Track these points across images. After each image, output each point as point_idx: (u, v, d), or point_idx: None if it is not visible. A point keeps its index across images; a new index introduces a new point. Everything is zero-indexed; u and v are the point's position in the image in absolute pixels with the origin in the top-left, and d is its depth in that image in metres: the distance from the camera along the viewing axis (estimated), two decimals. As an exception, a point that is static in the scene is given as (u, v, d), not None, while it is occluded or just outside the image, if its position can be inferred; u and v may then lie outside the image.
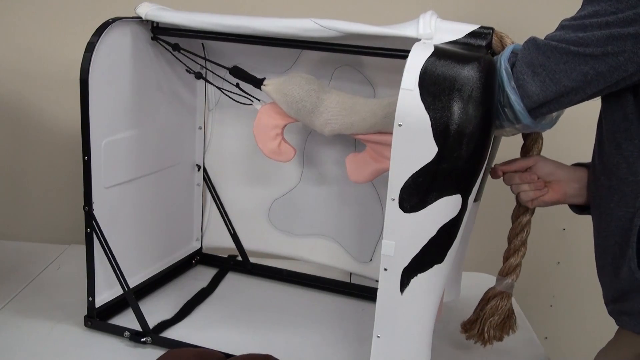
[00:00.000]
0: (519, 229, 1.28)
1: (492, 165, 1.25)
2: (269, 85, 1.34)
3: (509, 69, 1.04)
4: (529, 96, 1.03)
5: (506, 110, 1.06)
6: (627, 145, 1.04)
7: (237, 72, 1.40)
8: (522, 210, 1.27)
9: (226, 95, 1.46)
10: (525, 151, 1.26)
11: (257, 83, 1.36)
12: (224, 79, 1.50)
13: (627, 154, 1.04)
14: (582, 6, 1.00)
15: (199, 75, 1.48)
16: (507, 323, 1.31)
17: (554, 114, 1.11)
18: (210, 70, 1.53)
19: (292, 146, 1.39)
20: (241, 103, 1.44)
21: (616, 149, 1.05)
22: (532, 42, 1.03)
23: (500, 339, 1.32)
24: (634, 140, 1.03)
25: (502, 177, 1.26)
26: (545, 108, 1.06)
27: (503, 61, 1.05)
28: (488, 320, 1.30)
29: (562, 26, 1.01)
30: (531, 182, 1.21)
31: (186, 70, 1.48)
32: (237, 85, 1.45)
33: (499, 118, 1.08)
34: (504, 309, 1.29)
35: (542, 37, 1.04)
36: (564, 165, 1.23)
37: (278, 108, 1.36)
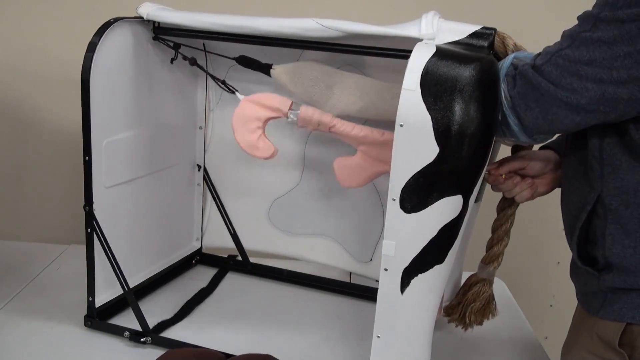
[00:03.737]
0: (503, 220, 1.30)
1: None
2: (278, 69, 1.34)
3: (507, 93, 1.04)
4: (524, 126, 1.05)
5: (503, 128, 1.08)
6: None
7: (244, 60, 1.40)
8: (507, 203, 1.29)
9: (216, 83, 1.46)
10: (516, 149, 1.27)
11: (266, 68, 1.36)
12: (220, 80, 1.50)
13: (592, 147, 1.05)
14: (574, 42, 0.96)
15: (193, 61, 1.46)
16: (487, 308, 1.34)
17: None
18: (209, 74, 1.53)
19: (273, 144, 1.35)
20: (226, 91, 1.45)
21: (589, 140, 1.05)
22: (525, 76, 1.02)
23: (480, 324, 1.35)
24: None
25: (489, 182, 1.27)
26: (541, 136, 1.08)
27: (502, 78, 1.05)
28: (470, 305, 1.33)
29: (557, 64, 0.98)
30: (517, 184, 1.22)
31: (182, 57, 1.46)
32: (224, 82, 1.45)
33: (498, 133, 1.10)
34: (485, 295, 1.33)
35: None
36: (550, 153, 1.24)
37: (263, 100, 1.33)
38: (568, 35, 0.98)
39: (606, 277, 1.04)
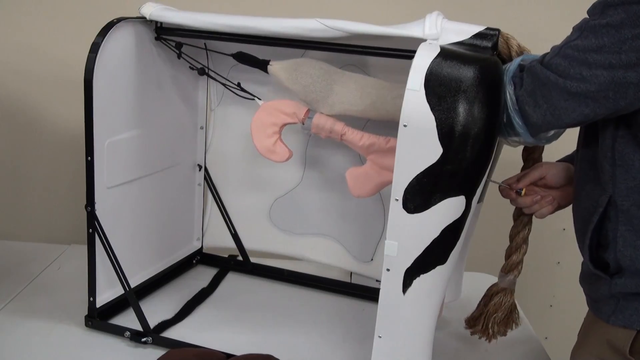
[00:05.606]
0: (520, 227, 1.29)
1: (500, 182, 1.25)
2: (275, 65, 1.34)
3: (512, 94, 1.04)
4: (531, 124, 1.05)
5: (509, 129, 1.08)
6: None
7: (241, 56, 1.40)
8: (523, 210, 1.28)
9: (231, 90, 1.45)
10: (528, 153, 1.26)
11: (263, 64, 1.36)
12: (226, 79, 1.50)
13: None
14: (583, 32, 0.97)
15: (202, 71, 1.48)
16: (510, 318, 1.33)
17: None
18: (213, 71, 1.53)
19: (289, 148, 1.38)
20: (245, 97, 1.44)
21: (601, 140, 1.05)
22: (533, 72, 1.02)
23: (504, 334, 1.34)
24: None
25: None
26: (547, 137, 1.09)
27: (508, 81, 1.05)
28: (492, 316, 1.32)
29: (565, 55, 0.98)
30: (537, 202, 1.22)
31: (190, 67, 1.48)
32: (239, 85, 1.45)
33: (502, 134, 1.09)
34: (507, 305, 1.31)
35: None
36: (568, 165, 1.24)
37: (280, 106, 1.35)
38: (577, 28, 0.99)
39: (618, 282, 1.04)
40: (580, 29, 0.97)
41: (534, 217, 1.27)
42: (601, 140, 1.04)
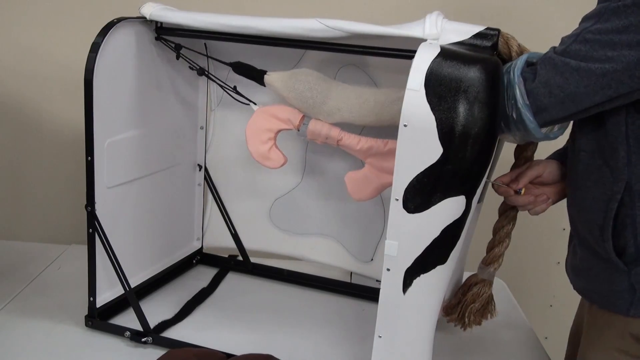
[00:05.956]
0: (505, 222, 1.30)
1: (495, 181, 1.25)
2: (272, 75, 1.34)
3: (523, 87, 1.04)
4: (547, 113, 1.04)
5: (519, 126, 1.07)
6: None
7: (239, 67, 1.40)
8: (509, 205, 1.29)
9: (228, 93, 1.46)
10: (520, 151, 1.27)
11: (260, 74, 1.36)
12: (224, 82, 1.50)
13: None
14: (602, 16, 0.97)
15: (201, 72, 1.48)
16: (486, 309, 1.35)
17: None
18: (211, 74, 1.53)
19: (284, 155, 1.38)
20: (241, 102, 1.44)
21: (613, 127, 1.05)
22: (550, 61, 1.02)
23: (479, 324, 1.35)
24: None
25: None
26: (558, 123, 1.08)
27: (517, 76, 1.05)
28: (469, 306, 1.34)
29: (585, 40, 0.98)
30: (532, 202, 1.22)
31: (189, 67, 1.48)
32: (235, 88, 1.45)
33: (510, 130, 1.09)
34: (484, 296, 1.33)
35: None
36: (558, 162, 1.24)
37: (275, 112, 1.35)
38: (593, 14, 0.98)
39: (638, 271, 1.04)
40: (598, 14, 0.97)
41: (534, 217, 1.27)
42: (613, 128, 1.03)
